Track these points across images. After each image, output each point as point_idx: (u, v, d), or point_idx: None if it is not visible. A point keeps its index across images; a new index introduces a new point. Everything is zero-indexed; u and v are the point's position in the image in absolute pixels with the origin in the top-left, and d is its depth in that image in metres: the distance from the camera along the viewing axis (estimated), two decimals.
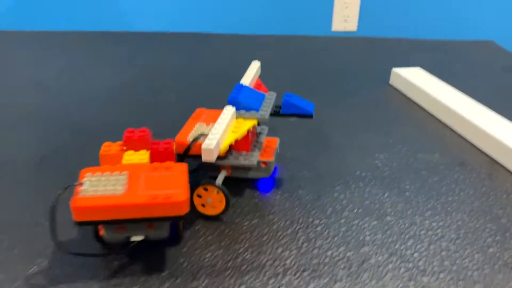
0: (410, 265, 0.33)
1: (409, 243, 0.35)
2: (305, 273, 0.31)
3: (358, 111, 0.58)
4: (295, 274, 0.31)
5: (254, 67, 0.45)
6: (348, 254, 0.33)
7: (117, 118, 0.54)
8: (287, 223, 0.37)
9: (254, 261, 0.32)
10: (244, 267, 0.32)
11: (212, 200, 0.36)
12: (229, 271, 0.31)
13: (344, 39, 0.88)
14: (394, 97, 0.62)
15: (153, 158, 0.34)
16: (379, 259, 0.33)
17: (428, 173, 0.45)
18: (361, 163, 0.46)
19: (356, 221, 0.37)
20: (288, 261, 0.33)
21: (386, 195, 0.41)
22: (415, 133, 0.52)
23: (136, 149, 0.35)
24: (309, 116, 0.41)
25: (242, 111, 0.38)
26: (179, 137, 0.38)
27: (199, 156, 0.36)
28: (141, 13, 1.85)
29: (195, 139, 0.36)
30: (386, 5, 1.87)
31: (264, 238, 0.35)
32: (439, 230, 0.36)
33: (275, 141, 0.43)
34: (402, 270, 0.32)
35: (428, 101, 0.58)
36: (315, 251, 0.34)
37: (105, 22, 1.84)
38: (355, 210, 0.38)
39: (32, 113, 0.55)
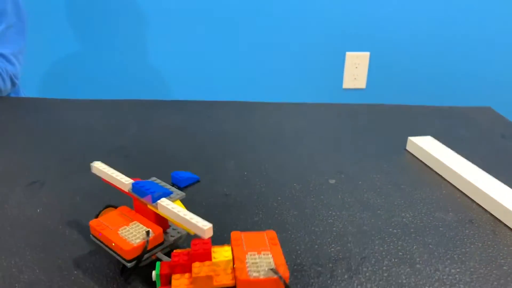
0: None
1: (435, 285, 0.47)
2: None
3: (386, 175, 0.71)
4: None
5: (105, 166, 0.50)
6: None
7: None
8: (344, 270, 0.49)
9: None
10: None
11: None
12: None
13: (355, 106, 1.03)
14: (411, 162, 0.76)
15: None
16: None
17: (445, 229, 0.57)
18: (393, 221, 0.58)
19: (394, 268, 0.50)
20: None
21: (414, 247, 0.53)
22: (432, 195, 0.65)
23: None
24: (198, 181, 0.54)
25: (167, 198, 0.45)
26: (123, 245, 0.42)
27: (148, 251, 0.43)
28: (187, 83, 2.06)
29: (147, 240, 0.42)
30: (391, 66, 2.05)
31: (329, 282, 0.47)
32: (457, 275, 0.49)
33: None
34: None
35: (441, 167, 0.71)
36: None
37: (153, 92, 2.07)
38: (393, 260, 0.51)
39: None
